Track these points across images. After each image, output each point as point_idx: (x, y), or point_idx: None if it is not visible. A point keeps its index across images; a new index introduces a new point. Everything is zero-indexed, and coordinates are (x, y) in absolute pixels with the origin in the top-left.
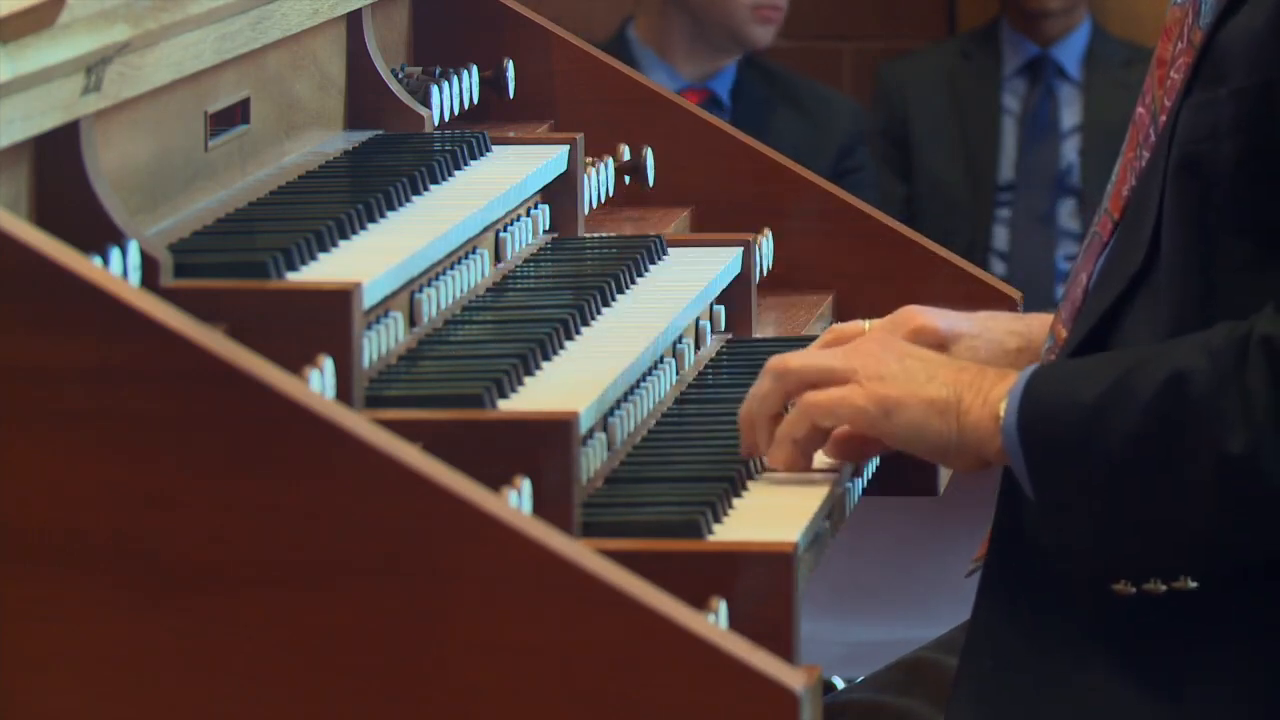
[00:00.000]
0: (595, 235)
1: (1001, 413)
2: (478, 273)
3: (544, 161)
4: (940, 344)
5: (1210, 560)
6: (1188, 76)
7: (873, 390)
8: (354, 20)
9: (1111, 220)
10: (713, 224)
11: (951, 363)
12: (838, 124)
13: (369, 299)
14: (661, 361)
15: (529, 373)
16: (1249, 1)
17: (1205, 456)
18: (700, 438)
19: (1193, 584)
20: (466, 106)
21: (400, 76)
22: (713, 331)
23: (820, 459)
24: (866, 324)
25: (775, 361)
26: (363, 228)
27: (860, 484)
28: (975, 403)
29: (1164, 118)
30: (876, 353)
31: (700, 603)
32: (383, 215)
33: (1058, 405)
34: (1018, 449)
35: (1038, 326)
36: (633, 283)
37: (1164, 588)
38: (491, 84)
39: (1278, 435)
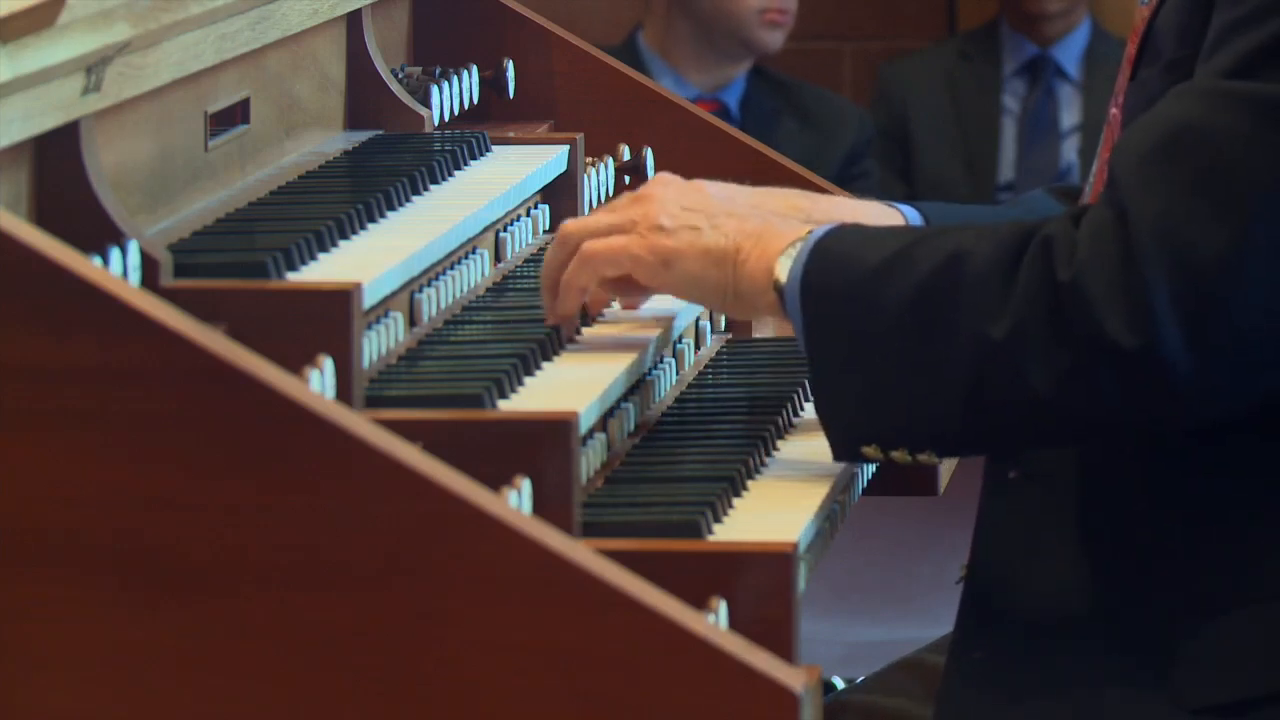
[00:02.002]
0: None
1: (776, 267)
2: (478, 273)
3: (544, 161)
4: None
5: (954, 439)
6: (1134, 61)
7: (652, 241)
8: (354, 20)
9: None
10: None
11: (737, 211)
12: (844, 131)
13: (369, 299)
14: (661, 361)
15: (529, 373)
16: None
17: (966, 336)
18: (700, 438)
19: (937, 459)
20: (466, 106)
21: (400, 76)
22: (713, 331)
23: (820, 463)
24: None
25: (560, 229)
26: (363, 228)
27: (860, 484)
28: (754, 253)
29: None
30: (659, 200)
31: (700, 603)
32: (383, 215)
33: (843, 263)
34: (798, 301)
35: (824, 206)
36: None
37: (910, 458)
38: (491, 84)
39: (1039, 329)
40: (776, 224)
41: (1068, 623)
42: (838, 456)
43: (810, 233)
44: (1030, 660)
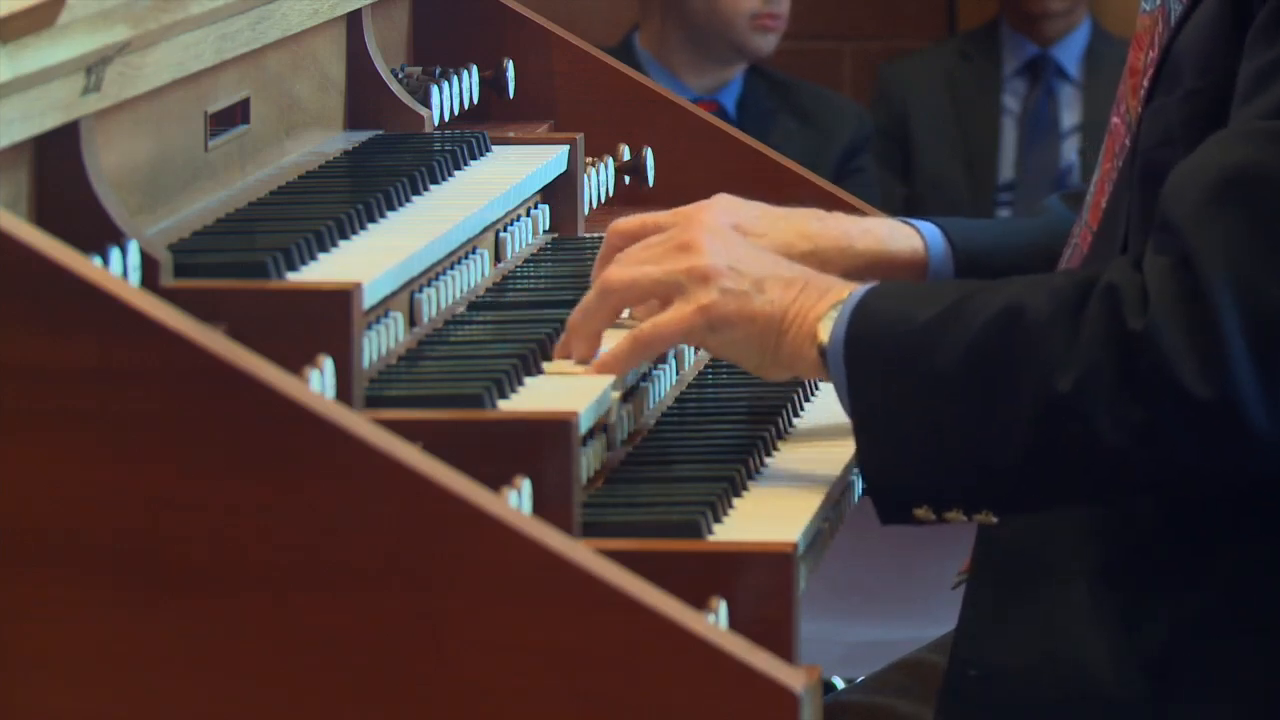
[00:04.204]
0: (595, 235)
1: (820, 332)
2: (478, 273)
3: (544, 161)
4: None
5: (1016, 495)
6: (1150, 84)
7: (703, 306)
8: (354, 20)
9: (1090, 231)
10: None
11: (780, 273)
12: (842, 128)
13: (369, 299)
14: (661, 361)
15: (529, 373)
16: (1201, 5)
17: (1029, 391)
18: (700, 438)
19: (994, 519)
20: (466, 106)
21: (400, 76)
22: None
23: (820, 463)
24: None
25: (603, 278)
26: (363, 228)
27: (860, 484)
28: (796, 319)
29: (1137, 127)
30: (704, 257)
31: (700, 603)
32: (383, 215)
33: (889, 322)
34: (841, 361)
35: (834, 230)
36: None
37: (965, 518)
38: (491, 84)
39: (1110, 380)
40: (816, 284)
41: (1065, 646)
42: (886, 520)
43: (850, 293)
44: (1023, 685)
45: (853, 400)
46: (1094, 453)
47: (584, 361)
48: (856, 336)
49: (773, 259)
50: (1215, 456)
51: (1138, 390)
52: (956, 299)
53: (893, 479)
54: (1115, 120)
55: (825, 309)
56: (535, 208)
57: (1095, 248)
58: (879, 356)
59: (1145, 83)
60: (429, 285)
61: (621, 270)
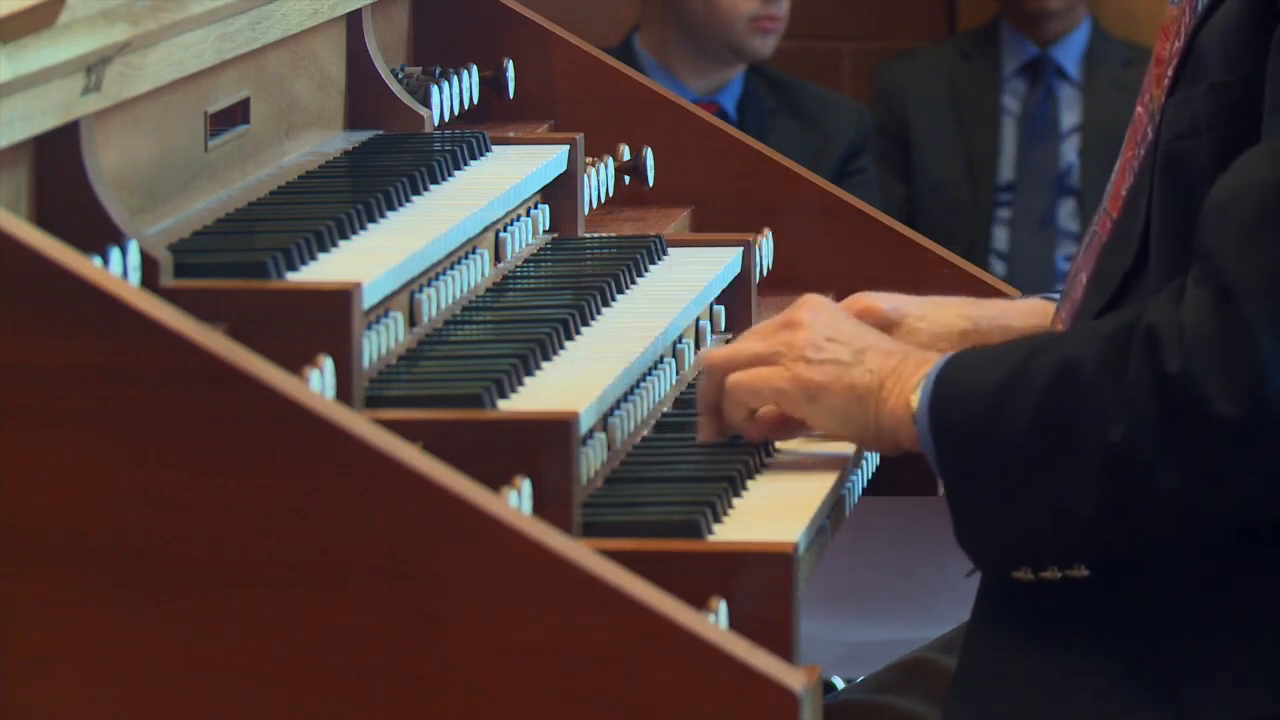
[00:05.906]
0: (595, 235)
1: (913, 402)
2: (478, 273)
3: (544, 161)
4: (884, 326)
5: (1100, 548)
6: (1174, 75)
7: (797, 373)
8: (354, 20)
9: (1110, 219)
10: (713, 224)
11: (879, 345)
12: (842, 128)
13: (369, 299)
14: (661, 361)
15: (529, 373)
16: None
17: (1090, 445)
18: None
19: (1085, 571)
20: (466, 106)
21: (400, 76)
22: (713, 331)
23: (820, 463)
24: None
25: (706, 356)
26: (363, 228)
27: (860, 484)
28: (894, 390)
29: (1160, 117)
30: (806, 328)
31: (700, 603)
32: (383, 215)
33: (964, 393)
34: (929, 437)
35: (990, 311)
36: (633, 283)
37: (1060, 575)
38: (491, 84)
39: (1155, 425)
40: (914, 355)
41: (1078, 635)
42: (988, 579)
43: (937, 360)
44: (1039, 673)
45: (943, 474)
46: (1158, 497)
47: (711, 442)
48: (937, 405)
49: (874, 333)
50: (1271, 476)
51: (1182, 430)
52: (1022, 359)
53: (988, 545)
54: (1139, 109)
55: (919, 379)
56: (535, 208)
57: (1115, 235)
58: (959, 428)
59: (1169, 72)
60: (429, 285)
61: (723, 349)
